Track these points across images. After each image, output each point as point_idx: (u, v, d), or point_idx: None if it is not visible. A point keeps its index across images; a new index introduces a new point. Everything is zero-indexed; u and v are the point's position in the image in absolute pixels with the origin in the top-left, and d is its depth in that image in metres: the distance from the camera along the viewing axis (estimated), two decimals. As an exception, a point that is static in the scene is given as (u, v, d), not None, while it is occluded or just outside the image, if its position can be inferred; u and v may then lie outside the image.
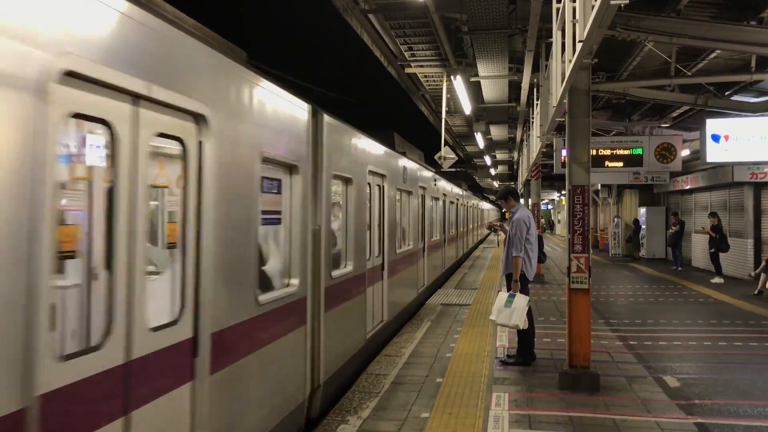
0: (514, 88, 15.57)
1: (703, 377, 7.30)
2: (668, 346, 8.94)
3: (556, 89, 7.46)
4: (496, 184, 50.20)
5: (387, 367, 7.59)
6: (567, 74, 6.11)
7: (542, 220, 24.25)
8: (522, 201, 8.55)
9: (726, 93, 13.24)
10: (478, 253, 29.75)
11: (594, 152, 15.05)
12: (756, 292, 13.88)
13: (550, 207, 59.97)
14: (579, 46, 4.95)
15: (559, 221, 52.58)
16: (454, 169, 25.97)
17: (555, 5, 6.69)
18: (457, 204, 20.94)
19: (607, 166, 16.04)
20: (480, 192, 53.24)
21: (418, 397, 6.37)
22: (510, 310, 7.31)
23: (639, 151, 15.74)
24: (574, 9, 5.21)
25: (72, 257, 3.13)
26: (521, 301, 7.34)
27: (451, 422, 5.62)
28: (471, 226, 28.58)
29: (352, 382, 7.03)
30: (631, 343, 9.02)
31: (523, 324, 7.29)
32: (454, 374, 7.23)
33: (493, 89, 15.19)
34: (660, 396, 6.49)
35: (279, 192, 5.30)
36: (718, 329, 10.12)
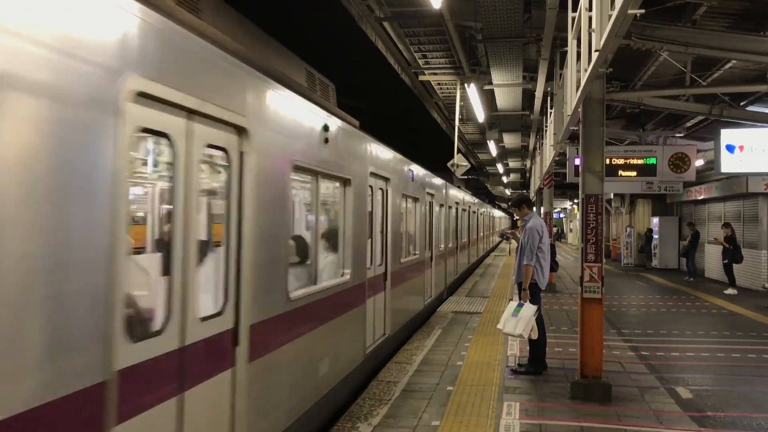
0: (528, 96, 15.57)
1: (717, 389, 7.24)
2: (681, 357, 8.88)
3: (571, 98, 7.47)
4: (508, 192, 50.11)
5: (398, 374, 7.59)
6: (582, 83, 6.11)
7: (555, 228, 24.16)
8: (534, 209, 8.51)
9: (741, 103, 13.17)
10: (489, 261, 29.68)
11: (607, 161, 15.03)
12: (770, 304, 13.76)
13: (562, 216, 59.76)
14: (595, 55, 4.96)
15: (570, 230, 52.37)
16: (466, 177, 25.97)
17: (570, 14, 6.70)
18: (468, 211, 20.73)
19: (621, 176, 16.01)
20: (492, 200, 53.14)
21: (428, 405, 6.36)
22: (516, 320, 7.27)
23: (653, 160, 15.69)
24: (590, 18, 5.21)
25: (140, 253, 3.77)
26: (528, 311, 7.31)
27: (462, 430, 5.61)
28: (483, 234, 28.54)
29: (349, 403, 6.67)
30: (643, 353, 8.97)
31: (527, 333, 7.24)
32: (464, 382, 7.22)
33: (506, 97, 15.20)
34: (672, 407, 6.44)
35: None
36: (731, 341, 10.04)
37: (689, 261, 20.24)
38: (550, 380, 7.40)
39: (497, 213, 47.70)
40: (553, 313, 12.44)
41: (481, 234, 28.46)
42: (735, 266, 16.69)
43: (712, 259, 20.41)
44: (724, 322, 11.96)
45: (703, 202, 21.69)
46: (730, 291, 16.30)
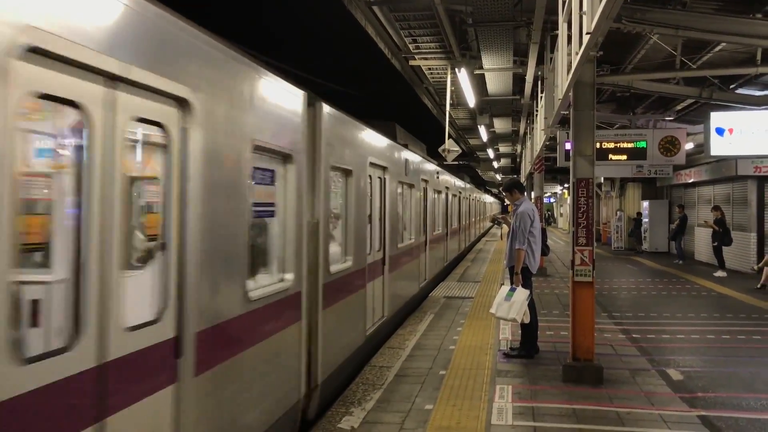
0: (518, 80, 15.53)
1: (707, 370, 7.31)
2: (671, 339, 8.94)
3: (562, 82, 7.45)
4: (498, 177, 50.15)
5: (391, 359, 7.61)
6: (573, 66, 6.10)
7: (546, 212, 24.25)
8: (525, 194, 8.51)
9: (731, 86, 13.20)
10: (480, 246, 29.75)
11: (598, 145, 15.04)
12: (759, 285, 13.86)
13: (552, 200, 59.89)
14: (586, 38, 4.94)
15: (561, 215, 52.53)
16: (457, 162, 25.96)
17: (561, -3, 6.67)
18: (459, 197, 20.85)
19: (611, 159, 16.01)
20: (483, 185, 53.19)
21: (421, 389, 6.38)
22: (509, 304, 7.31)
23: (643, 144, 15.71)
24: (581, 1, 5.19)
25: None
26: (521, 295, 7.34)
27: (455, 414, 5.63)
28: (474, 219, 28.59)
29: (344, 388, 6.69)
30: (634, 336, 9.03)
31: (521, 318, 7.28)
32: (457, 367, 7.25)
33: (497, 82, 15.16)
34: (663, 389, 6.50)
35: (272, 183, 5.10)
36: (721, 323, 10.12)
37: (677, 244, 20.36)
38: (542, 363, 7.45)
39: (488, 198, 47.77)
40: (544, 296, 12.49)
41: (475, 219, 28.55)
42: (724, 249, 16.80)
43: (701, 241, 20.54)
44: (714, 304, 12.05)
45: (693, 185, 21.79)
46: (719, 273, 16.42)
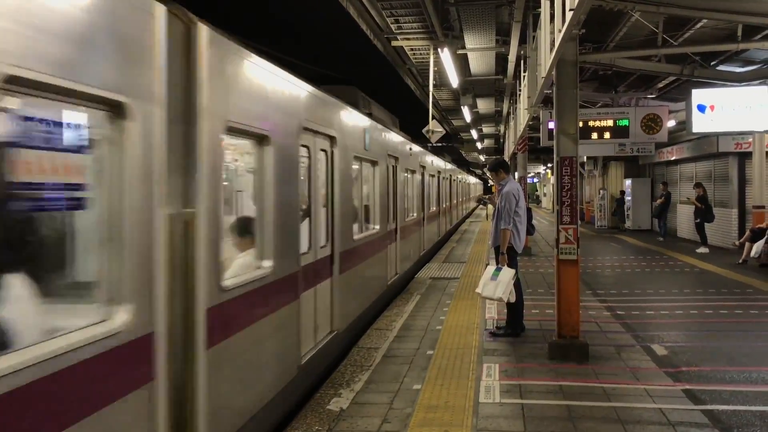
0: (501, 60, 15.51)
1: (691, 345, 7.40)
2: (655, 315, 9.04)
3: (545, 60, 7.43)
4: (482, 158, 50.22)
5: (378, 341, 7.63)
6: (556, 44, 6.08)
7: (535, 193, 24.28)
8: (510, 174, 8.51)
9: (712, 63, 13.25)
10: (465, 227, 29.85)
11: (581, 124, 15.03)
12: (740, 261, 14.04)
13: (536, 180, 60.12)
14: (569, 14, 4.92)
15: (545, 194, 52.78)
16: (441, 144, 25.92)
17: (543, -26, 6.63)
18: (439, 177, 19.51)
19: (594, 138, 16.05)
20: (466, 166, 53.19)
21: (409, 370, 6.41)
22: (495, 283, 7.33)
23: (625, 122, 15.74)
24: (563, -22, 5.16)
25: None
26: (507, 274, 7.37)
27: (443, 393, 5.67)
28: (457, 201, 28.54)
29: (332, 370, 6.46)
30: (618, 313, 9.12)
31: (507, 297, 7.31)
32: (444, 347, 7.28)
33: (480, 62, 15.12)
34: (648, 364, 6.57)
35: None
36: (704, 298, 10.24)
37: (661, 221, 20.53)
38: (528, 341, 7.50)
39: (472, 179, 47.78)
40: (529, 276, 12.57)
41: (457, 201, 28.47)
42: (706, 225, 16.97)
43: (683, 218, 20.74)
44: (697, 280, 12.19)
45: (675, 162, 21.95)
46: (702, 250, 16.59)
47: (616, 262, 15.11)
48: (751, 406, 5.38)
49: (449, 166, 24.51)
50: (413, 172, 13.98)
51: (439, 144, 23.09)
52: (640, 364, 6.58)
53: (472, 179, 49.45)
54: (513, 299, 7.46)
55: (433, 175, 17.75)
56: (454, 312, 9.19)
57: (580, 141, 7.18)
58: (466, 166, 54.21)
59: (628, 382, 5.99)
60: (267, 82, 4.99)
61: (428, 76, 16.31)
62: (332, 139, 7.01)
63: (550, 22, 6.68)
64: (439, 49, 13.61)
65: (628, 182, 25.20)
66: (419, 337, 7.78)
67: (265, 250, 4.91)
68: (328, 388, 5.91)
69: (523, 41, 12.47)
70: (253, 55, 4.69)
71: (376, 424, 4.97)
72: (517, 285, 7.64)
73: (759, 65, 13.37)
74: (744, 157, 17.09)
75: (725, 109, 13.12)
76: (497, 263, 7.63)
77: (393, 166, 11.10)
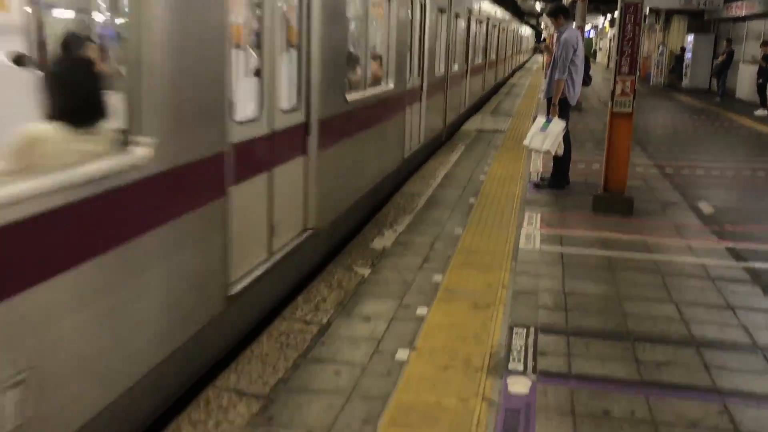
0: None
1: (739, 206, 7.30)
2: (705, 175, 8.85)
3: None
4: (538, 7, 47.61)
5: (421, 188, 7.69)
6: None
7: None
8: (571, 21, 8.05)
9: None
10: (514, 80, 28.99)
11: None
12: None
13: (592, 35, 57.15)
14: None
15: (600, 49, 50.45)
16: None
17: None
18: (487, 24, 17.77)
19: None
20: (520, 16, 50.59)
21: (451, 216, 6.49)
22: (544, 135, 7.20)
23: (697, -30, 14.62)
24: None
25: None
26: (557, 126, 7.20)
27: (484, 238, 5.76)
28: (508, 53, 27.41)
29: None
30: (667, 171, 8.95)
31: (554, 149, 7.19)
32: (487, 195, 7.31)
33: None
34: (693, 221, 6.52)
35: None
36: (758, 160, 9.96)
37: (720, 80, 19.57)
38: (572, 194, 7.47)
39: (526, 30, 45.55)
40: (577, 131, 12.25)
41: (508, 53, 27.28)
42: (768, 87, 16.16)
43: (745, 79, 19.72)
44: (752, 142, 11.81)
45: (743, 19, 20.54)
46: (760, 112, 15.91)
47: (668, 121, 14.65)
48: (794, 266, 5.35)
49: (500, 13, 22.26)
50: (457, 16, 12.13)
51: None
52: (685, 221, 6.54)
53: (527, 30, 47.15)
54: (561, 152, 7.35)
55: (480, 22, 16.27)
56: (498, 162, 9.14)
57: (646, -13, 6.70)
58: (520, 16, 51.55)
59: (672, 237, 5.99)
60: None
61: None
62: None
63: None
64: None
65: (690, 38, 23.82)
66: (462, 185, 7.81)
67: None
68: (371, 227, 6.06)
69: None
70: None
71: (417, 263, 5.11)
72: (566, 138, 7.47)
73: None
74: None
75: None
76: (548, 114, 7.43)
77: (422, 4, 9.15)
